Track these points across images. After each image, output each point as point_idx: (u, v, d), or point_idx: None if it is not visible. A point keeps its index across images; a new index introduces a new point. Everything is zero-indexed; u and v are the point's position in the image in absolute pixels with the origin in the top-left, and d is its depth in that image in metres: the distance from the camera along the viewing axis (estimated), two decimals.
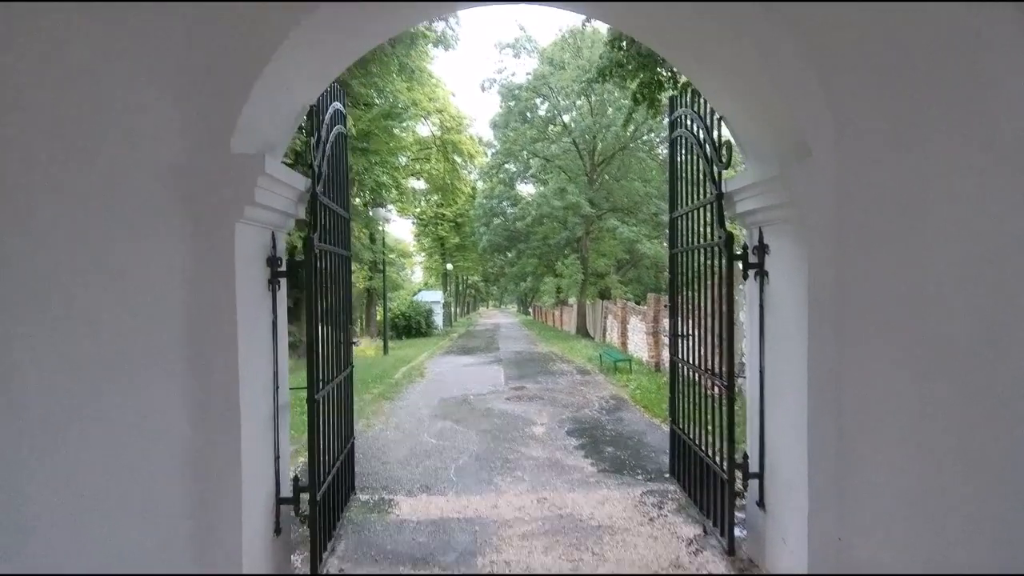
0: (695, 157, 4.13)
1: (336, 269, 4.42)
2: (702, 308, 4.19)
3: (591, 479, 5.66)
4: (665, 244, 29.02)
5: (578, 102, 26.11)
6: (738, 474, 3.63)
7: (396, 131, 15.01)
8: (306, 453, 3.59)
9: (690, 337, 4.50)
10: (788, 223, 3.17)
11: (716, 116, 3.66)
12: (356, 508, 4.86)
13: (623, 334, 17.84)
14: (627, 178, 26.40)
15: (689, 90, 4.36)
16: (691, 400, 4.47)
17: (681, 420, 4.75)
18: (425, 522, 4.61)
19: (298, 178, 3.35)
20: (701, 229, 4.07)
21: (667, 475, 5.55)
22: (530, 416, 8.78)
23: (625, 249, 27.27)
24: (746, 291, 3.74)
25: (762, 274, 3.45)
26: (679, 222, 4.69)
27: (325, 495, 3.68)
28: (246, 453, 2.85)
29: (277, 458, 3.33)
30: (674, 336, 4.82)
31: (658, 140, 28.02)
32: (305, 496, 3.43)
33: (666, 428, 7.68)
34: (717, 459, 3.82)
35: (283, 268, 3.37)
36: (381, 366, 14.96)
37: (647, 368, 13.62)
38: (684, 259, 4.61)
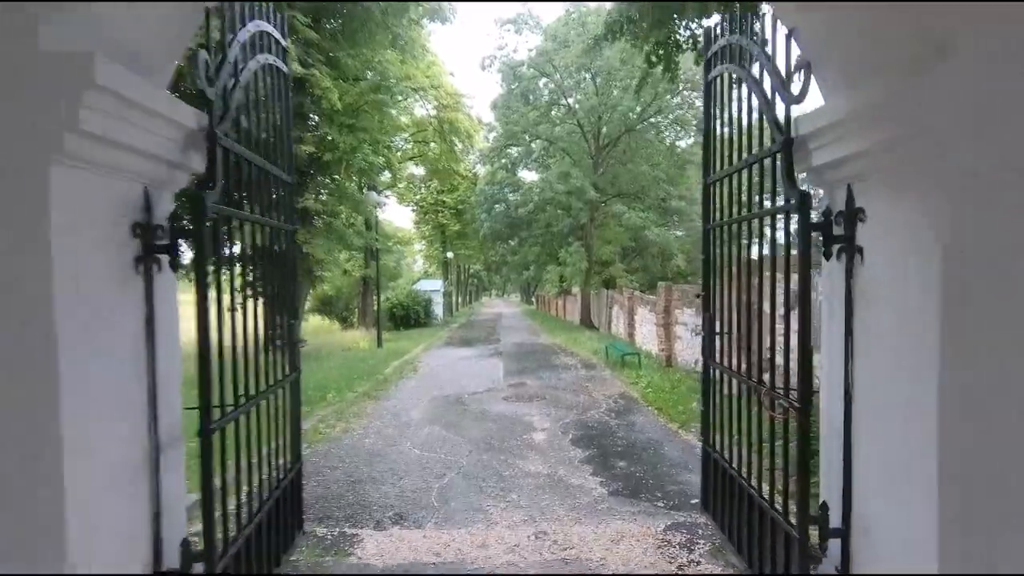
0: (745, 97, 3.08)
1: (270, 247, 3.42)
2: (750, 299, 3.17)
3: (601, 505, 4.67)
4: (675, 232, 27.98)
5: (583, 82, 24.86)
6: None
7: (388, 108, 13.92)
8: (235, 490, 2.62)
9: (732, 336, 3.46)
10: (898, 175, 2.14)
11: (785, 32, 2.61)
12: (307, 548, 3.88)
13: (630, 325, 16.83)
14: (634, 161, 25.19)
15: (735, 13, 3.30)
16: (733, 416, 3.46)
17: (718, 440, 3.74)
18: (393, 567, 3.64)
19: (185, 110, 2.33)
20: (753, 193, 3.03)
21: (694, 501, 4.57)
22: (530, 419, 7.79)
23: (631, 236, 26.14)
24: (824, 276, 2.71)
25: (852, 251, 2.42)
26: (717, 189, 3.65)
27: (239, 557, 2.70)
28: (84, 517, 1.86)
29: (158, 515, 2.33)
30: (710, 335, 3.80)
31: (665, 123, 26.82)
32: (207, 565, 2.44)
33: (687, 437, 6.70)
34: (778, 504, 2.81)
35: (164, 240, 2.35)
36: (372, 360, 14.01)
37: (658, 362, 12.62)
38: (723, 236, 3.58)
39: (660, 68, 8.08)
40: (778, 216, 2.80)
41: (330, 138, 13.22)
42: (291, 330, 3.70)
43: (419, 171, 37.02)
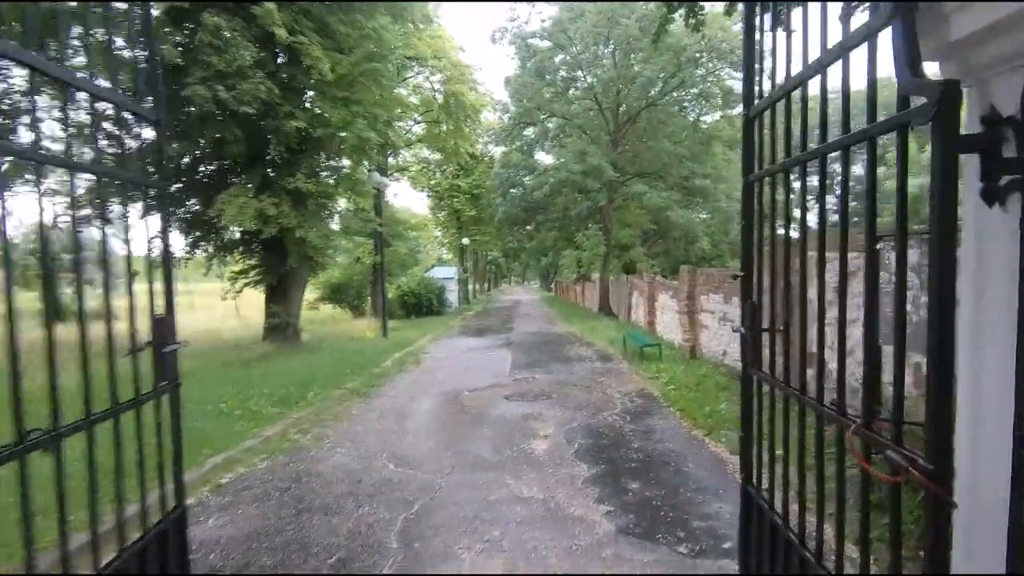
0: None
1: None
2: (823, 280, 2.07)
3: (605, 549, 3.63)
4: (700, 214, 26.48)
5: (600, 55, 23.35)
6: None
7: (383, 79, 12.81)
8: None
9: (789, 336, 2.34)
10: None
11: None
12: None
13: (651, 312, 15.63)
14: (655, 138, 23.69)
15: None
16: (790, 453, 2.36)
17: (764, 478, 2.64)
18: None
19: None
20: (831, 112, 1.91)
21: (727, 545, 3.50)
22: (533, 423, 6.76)
23: (652, 218, 24.76)
24: (966, 240, 1.60)
25: None
26: (766, 119, 2.51)
27: None
28: None
29: None
30: (753, 332, 2.67)
31: (689, 98, 25.20)
32: None
33: (715, 449, 5.59)
34: None
35: None
36: (374, 351, 13.10)
37: (681, 354, 11.46)
38: (769, 188, 2.45)
39: (684, 13, 6.86)
40: (883, 138, 1.66)
41: (320, 112, 12.22)
42: (161, 327, 2.69)
43: (434, 155, 36.04)
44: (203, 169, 13.45)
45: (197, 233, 13.95)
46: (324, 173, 12.83)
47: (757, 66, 2.65)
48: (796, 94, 2.19)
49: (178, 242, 14.43)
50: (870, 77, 1.66)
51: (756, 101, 2.64)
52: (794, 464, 2.29)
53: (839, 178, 1.87)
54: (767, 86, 2.53)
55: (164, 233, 2.85)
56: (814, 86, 2.06)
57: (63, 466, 2.06)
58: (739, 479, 2.87)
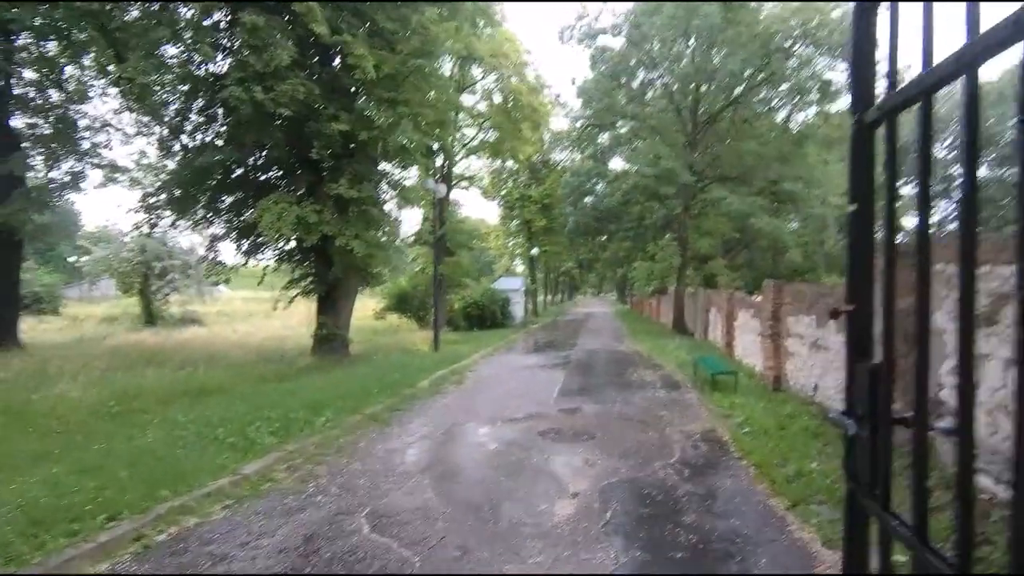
0: None
1: None
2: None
3: None
4: (790, 223, 23.85)
5: (676, 49, 21.52)
6: None
7: (430, 76, 11.98)
8: None
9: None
10: None
11: None
12: None
13: (728, 333, 13.75)
14: (738, 139, 21.48)
15: None
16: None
17: None
18: None
19: None
20: None
21: None
22: (564, 473, 5.46)
23: (735, 227, 22.48)
24: None
25: None
26: (892, 126, 1.14)
27: None
28: None
29: None
30: (871, 369, 1.28)
31: (779, 95, 22.71)
32: None
33: (802, 533, 4.03)
34: None
35: None
36: (418, 366, 12.22)
37: (761, 385, 9.67)
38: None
39: None
40: None
41: (365, 114, 11.58)
42: None
43: (507, 164, 35.40)
44: (253, 177, 13.26)
45: (250, 242, 13.80)
46: (368, 180, 12.13)
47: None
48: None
49: (230, 251, 14.40)
50: None
51: (877, 101, 1.30)
52: None
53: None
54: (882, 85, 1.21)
55: None
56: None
57: None
58: None
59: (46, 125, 15.18)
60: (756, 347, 10.89)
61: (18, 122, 14.87)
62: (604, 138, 28.72)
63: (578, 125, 29.13)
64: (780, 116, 23.33)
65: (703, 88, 21.74)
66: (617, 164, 28.78)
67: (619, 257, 32.80)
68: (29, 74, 14.66)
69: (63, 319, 26.85)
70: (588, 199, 30.73)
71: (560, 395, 9.51)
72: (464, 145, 24.29)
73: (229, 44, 11.32)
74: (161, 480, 4.74)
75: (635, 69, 23.47)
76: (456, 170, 26.86)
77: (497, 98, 21.35)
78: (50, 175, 15.53)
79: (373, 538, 4.04)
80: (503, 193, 38.48)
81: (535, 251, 36.87)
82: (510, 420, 7.72)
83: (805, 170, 21.86)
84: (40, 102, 14.97)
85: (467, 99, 23.51)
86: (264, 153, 12.46)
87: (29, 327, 19.00)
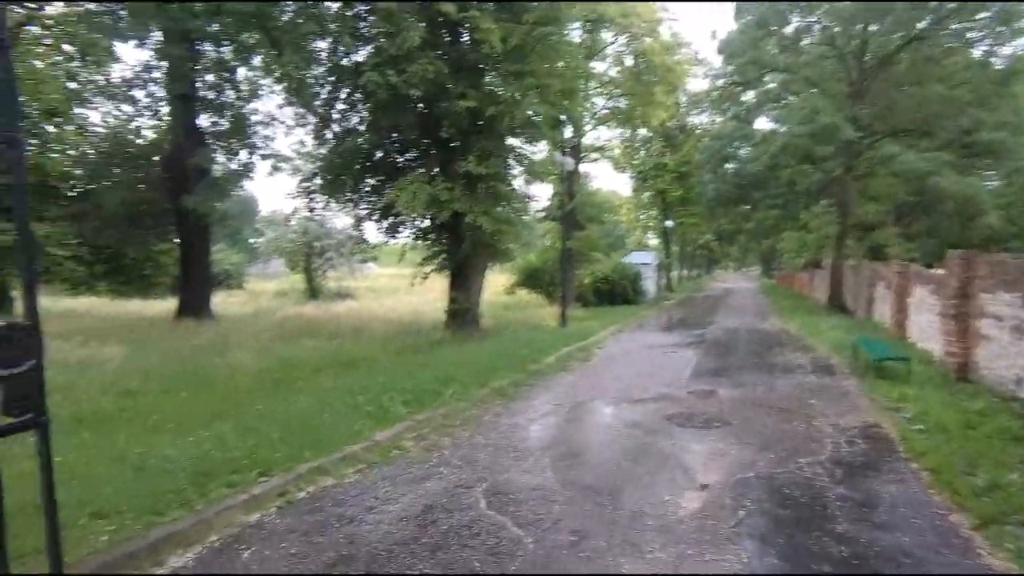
0: None
1: None
2: None
3: None
4: (982, 179, 19.98)
5: None
6: None
7: (558, 44, 11.59)
8: None
9: None
10: None
11: None
12: None
13: (900, 311, 11.91)
14: (920, 83, 18.16)
15: None
16: None
17: None
18: None
19: None
20: None
21: None
22: (692, 462, 5.06)
23: (911, 189, 19.30)
24: None
25: None
26: None
27: None
28: None
29: None
30: None
31: (974, 27, 18.78)
32: None
33: (990, 559, 3.29)
34: None
35: None
36: (546, 342, 12.22)
37: (941, 373, 8.22)
38: None
39: None
40: None
41: (493, 89, 11.59)
42: (16, 339, 1.92)
43: (640, 132, 33.94)
44: (391, 159, 13.99)
45: (390, 221, 14.67)
46: (495, 156, 12.19)
47: None
48: None
49: (374, 230, 15.49)
50: None
51: None
52: None
53: None
54: None
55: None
56: None
57: None
58: None
59: (224, 122, 17.36)
60: (935, 329, 9.28)
61: (203, 121, 17.18)
62: (749, 96, 26.18)
63: (719, 84, 26.88)
64: (977, 52, 19.37)
65: (872, 28, 18.73)
66: (763, 124, 26.21)
67: (765, 227, 29.99)
68: (210, 77, 16.80)
69: (246, 294, 31.12)
70: (729, 165, 28.39)
71: (693, 377, 8.92)
72: (593, 115, 23.56)
73: (367, 32, 11.94)
74: (305, 442, 5.18)
75: (787, 14, 20.90)
76: (586, 141, 26.26)
77: (629, 61, 20.29)
78: (228, 167, 17.82)
79: (489, 514, 4.05)
80: (635, 163, 36.98)
81: (670, 223, 35.12)
82: (637, 401, 7.39)
83: (1012, 114, 18.02)
84: (219, 102, 17.13)
85: (597, 66, 22.73)
86: (400, 135, 13.05)
87: (220, 300, 22.22)
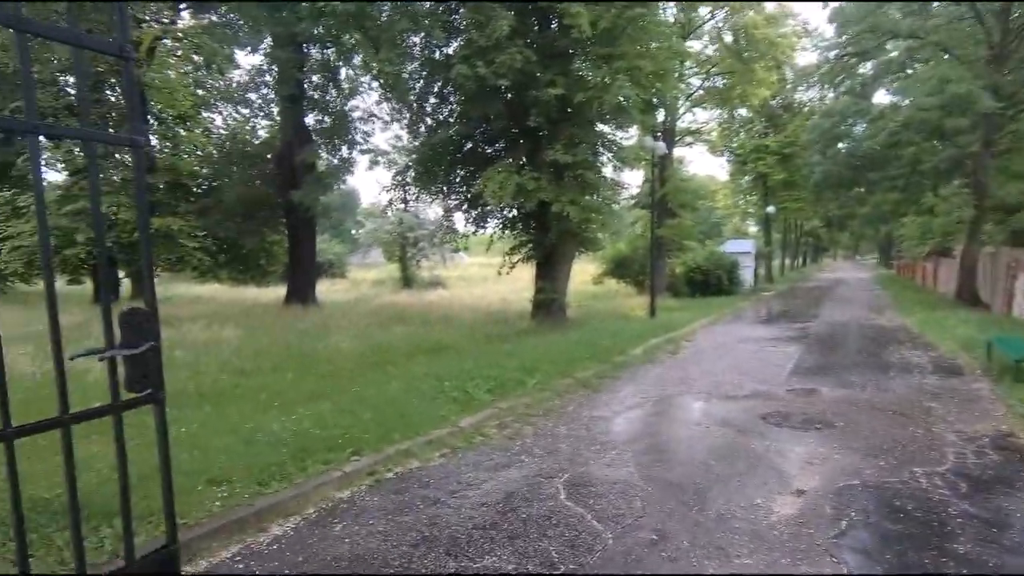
0: None
1: None
2: None
3: None
4: None
5: None
6: None
7: (652, 26, 11.12)
8: None
9: None
10: None
11: None
12: None
13: None
14: None
15: None
16: None
17: None
18: None
19: None
20: None
21: None
22: (787, 466, 4.75)
23: None
24: None
25: None
26: None
27: None
28: None
29: None
30: None
31: None
32: None
33: None
34: None
35: None
36: (633, 332, 11.95)
37: None
38: None
39: None
40: None
41: (582, 75, 11.39)
42: (135, 322, 2.14)
43: (738, 113, 32.14)
44: (480, 150, 14.20)
45: (478, 211, 14.95)
46: (583, 143, 11.99)
47: None
48: None
49: (463, 221, 15.83)
50: None
51: None
52: None
53: None
54: None
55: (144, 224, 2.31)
56: None
57: None
58: None
59: (328, 120, 18.46)
60: None
61: (309, 119, 18.36)
62: (866, 67, 23.89)
63: (831, 56, 24.72)
64: None
65: None
66: (882, 99, 23.85)
67: (882, 212, 27.30)
68: (315, 78, 17.90)
69: (348, 282, 33.12)
70: (842, 144, 26.16)
71: (792, 374, 8.34)
72: (688, 96, 22.52)
73: (457, 24, 12.16)
74: (395, 425, 5.42)
75: None
76: (680, 125, 25.20)
77: (727, 38, 19.16)
78: (331, 162, 18.95)
79: (568, 506, 4.03)
80: (734, 145, 35.02)
81: (771, 209, 32.94)
82: (728, 397, 7.04)
83: None
84: (323, 101, 18.22)
85: (693, 45, 21.65)
86: (488, 126, 13.20)
87: (324, 288, 23.81)
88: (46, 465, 3.67)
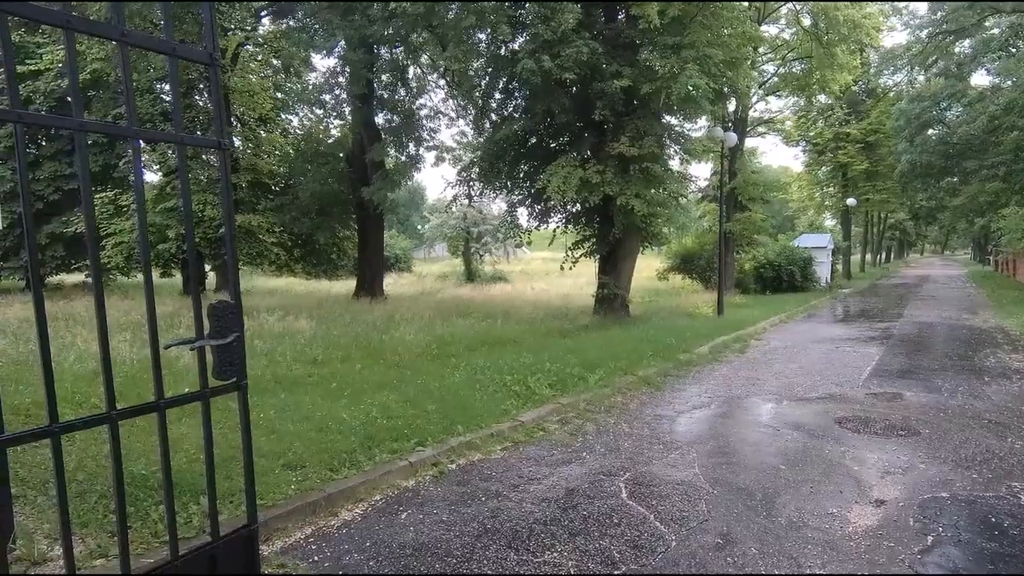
0: None
1: None
2: None
3: None
4: None
5: None
6: None
7: (724, 11, 10.65)
8: None
9: None
10: None
11: None
12: None
13: None
14: None
15: None
16: None
17: None
18: None
19: None
20: None
21: None
22: (866, 475, 4.49)
23: None
24: None
25: None
26: None
27: None
28: None
29: None
30: None
31: None
32: None
33: None
34: None
35: None
36: (700, 329, 11.62)
37: None
38: None
39: None
40: None
41: (649, 65, 11.11)
42: (221, 314, 2.28)
43: (819, 100, 30.36)
44: (544, 145, 14.18)
45: (541, 206, 14.94)
46: (649, 135, 11.72)
47: None
48: None
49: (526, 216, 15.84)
50: None
51: None
52: None
53: None
54: None
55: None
56: None
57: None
58: None
59: (396, 118, 18.98)
60: None
61: (379, 118, 18.95)
62: (963, 46, 22.05)
63: (923, 35, 22.94)
64: None
65: None
66: (980, 80, 21.87)
67: (979, 203, 25.12)
68: (385, 78, 18.44)
69: (413, 276, 34.00)
70: (932, 131, 24.30)
71: (872, 376, 7.85)
72: (761, 84, 21.52)
73: (523, 19, 12.17)
74: (458, 417, 5.54)
75: None
76: (752, 114, 24.14)
77: (806, 20, 18.14)
78: (399, 159, 19.48)
79: (630, 505, 3.98)
80: (811, 134, 33.15)
81: (851, 201, 30.97)
82: (800, 399, 6.72)
83: None
84: (392, 100, 18.74)
85: (768, 30, 20.64)
86: (552, 120, 13.16)
87: (391, 281, 24.57)
88: (136, 443, 4.01)
